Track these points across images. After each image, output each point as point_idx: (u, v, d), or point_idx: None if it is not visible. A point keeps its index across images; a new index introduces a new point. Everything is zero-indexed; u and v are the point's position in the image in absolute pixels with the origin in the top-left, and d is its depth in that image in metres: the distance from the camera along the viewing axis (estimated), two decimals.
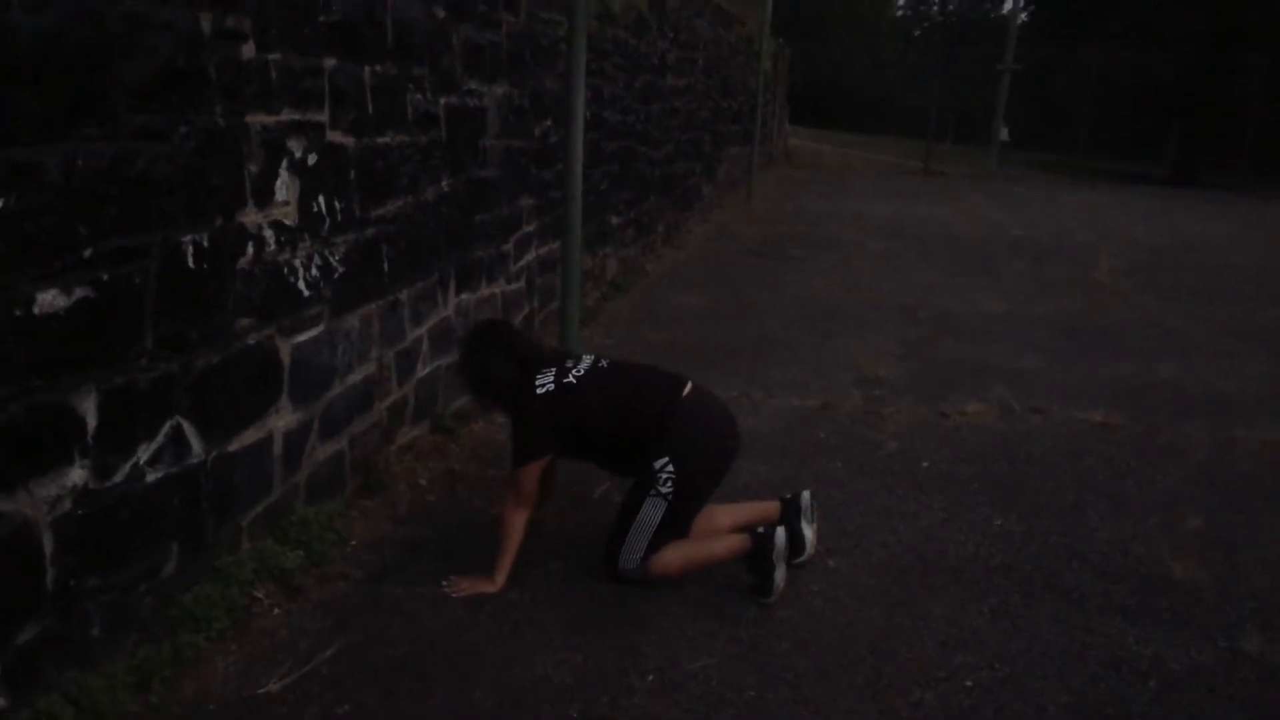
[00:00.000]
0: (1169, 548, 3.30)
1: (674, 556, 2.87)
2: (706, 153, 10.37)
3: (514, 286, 4.92)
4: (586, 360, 2.99)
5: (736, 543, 2.91)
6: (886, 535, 3.31)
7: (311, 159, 2.93)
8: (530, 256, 5.15)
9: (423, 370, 3.87)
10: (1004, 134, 23.35)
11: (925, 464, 3.96)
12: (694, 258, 8.45)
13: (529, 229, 5.08)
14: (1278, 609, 2.92)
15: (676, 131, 8.76)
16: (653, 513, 2.82)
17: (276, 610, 2.68)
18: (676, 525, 2.88)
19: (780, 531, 2.87)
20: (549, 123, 5.23)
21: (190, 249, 2.41)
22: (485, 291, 4.51)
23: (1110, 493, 3.74)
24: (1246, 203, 15.83)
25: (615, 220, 6.95)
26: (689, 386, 2.97)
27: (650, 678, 2.47)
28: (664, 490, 2.81)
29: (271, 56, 2.70)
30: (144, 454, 2.30)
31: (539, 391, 2.86)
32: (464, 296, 4.24)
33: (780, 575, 2.83)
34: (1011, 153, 21.02)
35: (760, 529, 2.91)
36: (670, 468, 2.81)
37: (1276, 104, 19.60)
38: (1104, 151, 23.38)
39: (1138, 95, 23.41)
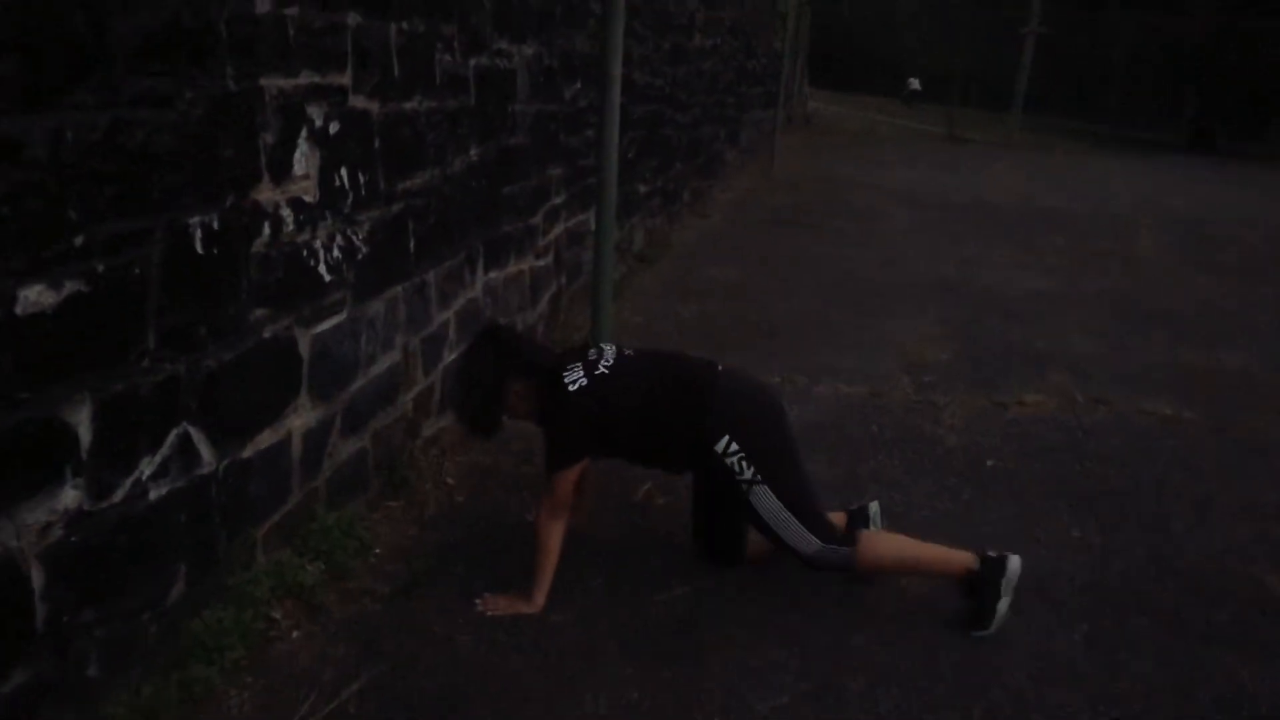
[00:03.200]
0: (1267, 564, 3.02)
1: (892, 551, 2.64)
2: (731, 116, 9.99)
3: (542, 262, 4.61)
4: (610, 350, 2.70)
5: (961, 558, 2.62)
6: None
7: (333, 127, 2.61)
8: (559, 229, 4.83)
9: (449, 357, 3.58)
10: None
11: (990, 463, 3.68)
12: (720, 227, 8.11)
13: (557, 200, 4.77)
14: None
15: (702, 94, 8.39)
16: (768, 502, 2.56)
17: (296, 633, 2.41)
18: (799, 497, 2.59)
19: (1016, 559, 2.59)
20: (579, 85, 4.89)
21: (198, 232, 2.11)
22: (513, 268, 4.21)
23: (1192, 498, 3.45)
24: (1274, 172, 15.36)
25: (642, 189, 6.61)
26: (721, 365, 2.72)
27: None
28: (749, 476, 2.54)
29: (288, 11, 2.38)
30: (147, 468, 2.02)
31: (571, 389, 2.57)
32: (492, 275, 3.94)
33: (1005, 607, 2.56)
34: (1034, 119, 20.48)
35: (993, 552, 2.62)
36: (734, 446, 2.54)
37: None
38: (1126, 118, 22.83)
39: (1160, 61, 22.81)
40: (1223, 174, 14.78)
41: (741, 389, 2.67)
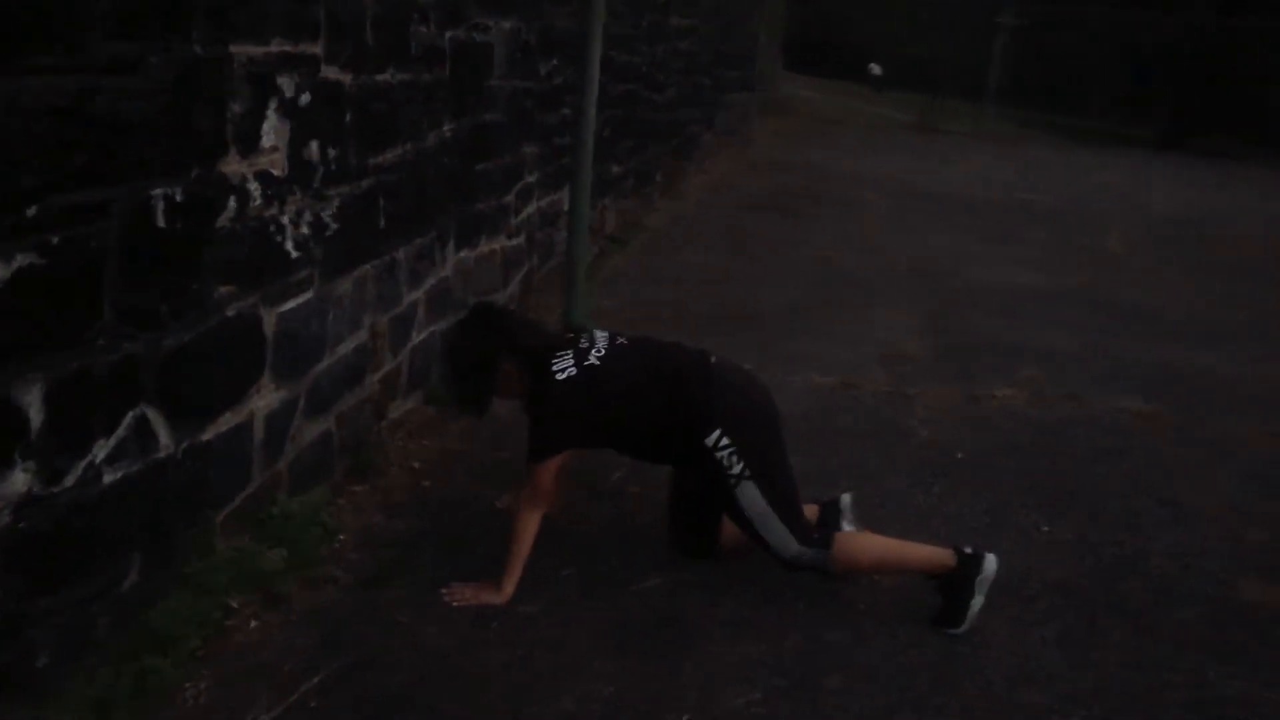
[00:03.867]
0: (1234, 565, 3.03)
1: (866, 552, 2.60)
2: (707, 99, 9.90)
3: (514, 242, 4.53)
4: (602, 337, 2.64)
5: (937, 555, 2.58)
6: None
7: (304, 99, 2.52)
8: (531, 209, 4.75)
9: (418, 337, 3.50)
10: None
11: (960, 455, 3.66)
12: (694, 211, 8.04)
13: (530, 179, 4.68)
14: None
15: (679, 75, 8.29)
16: (754, 500, 2.51)
17: (255, 623, 2.33)
18: (785, 496, 2.56)
19: (993, 558, 2.55)
20: (555, 62, 4.79)
21: (161, 204, 2.02)
22: (485, 248, 4.12)
23: (1162, 496, 3.46)
24: (1247, 171, 15.53)
25: (616, 169, 6.53)
26: (714, 357, 2.66)
27: (688, 717, 2.17)
28: (738, 471, 2.49)
29: None
30: (101, 451, 1.93)
31: (559, 377, 2.50)
32: (464, 254, 3.86)
33: (978, 605, 2.52)
34: (1008, 110, 20.56)
35: (969, 549, 2.58)
36: (725, 440, 2.49)
37: None
38: (1099, 113, 22.96)
39: (1136, 57, 22.95)
40: (1194, 172, 14.90)
41: (735, 382, 2.62)
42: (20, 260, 1.67)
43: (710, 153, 10.22)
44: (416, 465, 3.21)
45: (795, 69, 25.15)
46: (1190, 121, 20.66)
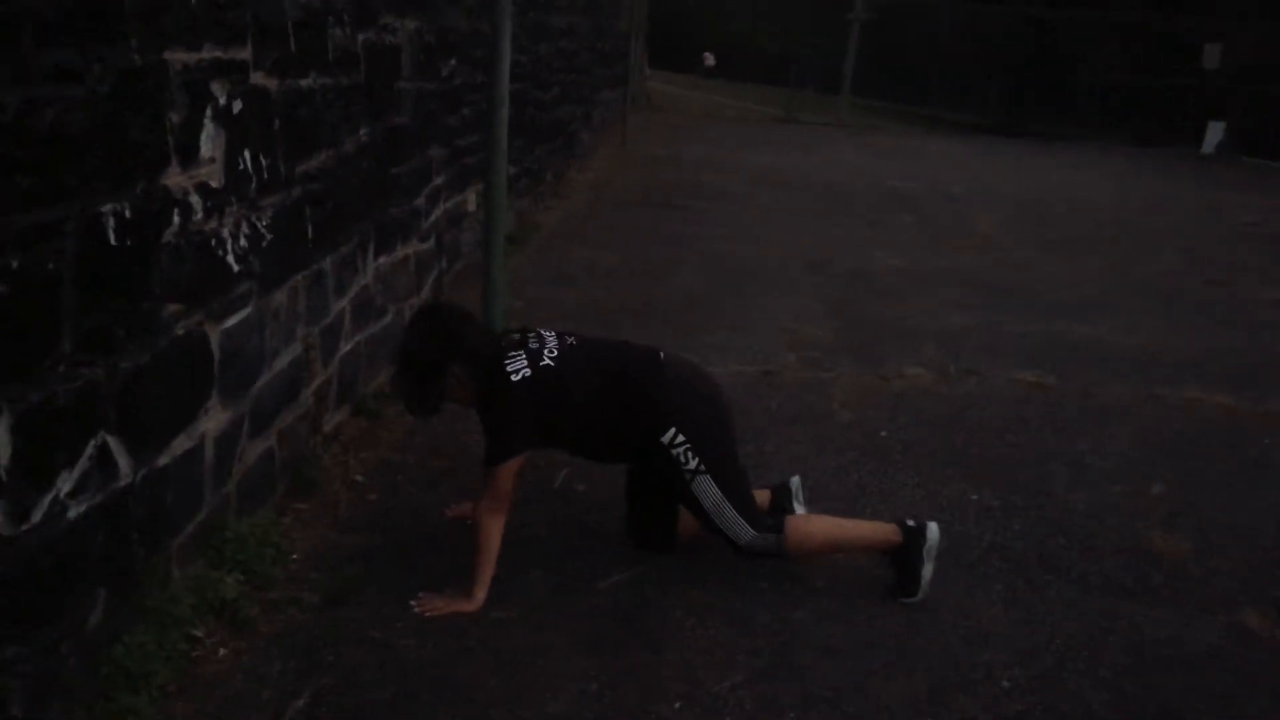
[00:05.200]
0: (1142, 518, 3.28)
1: (816, 533, 2.68)
2: (586, 97, 9.94)
3: (425, 245, 4.46)
4: (551, 337, 2.65)
5: (883, 530, 2.70)
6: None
7: (236, 106, 2.43)
8: (439, 211, 4.68)
9: (345, 347, 3.41)
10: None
11: (883, 434, 3.83)
12: (584, 209, 8.07)
13: (438, 181, 4.62)
14: (1262, 581, 2.93)
15: (562, 74, 8.30)
16: (709, 492, 2.57)
17: (224, 651, 2.25)
18: (737, 486, 2.63)
19: (934, 527, 2.67)
20: (454, 63, 4.74)
21: (111, 221, 1.92)
22: (400, 253, 4.05)
23: (1068, 460, 3.70)
24: (1068, 150, 16.62)
25: (511, 169, 6.47)
26: (663, 354, 2.71)
27: (679, 705, 2.21)
28: (693, 466, 2.55)
29: None
30: (65, 484, 1.83)
31: (514, 379, 2.50)
32: (382, 260, 3.78)
33: (929, 573, 2.64)
34: (863, 101, 21.39)
35: (911, 521, 2.69)
36: (680, 437, 2.55)
37: (1108, 58, 20.73)
38: (945, 101, 24.17)
39: (977, 47, 24.27)
40: (1032, 154, 15.84)
41: (686, 377, 2.67)
42: None
43: (591, 150, 10.27)
44: (358, 478, 3.14)
45: (655, 64, 25.47)
46: (1020, 107, 22.03)
